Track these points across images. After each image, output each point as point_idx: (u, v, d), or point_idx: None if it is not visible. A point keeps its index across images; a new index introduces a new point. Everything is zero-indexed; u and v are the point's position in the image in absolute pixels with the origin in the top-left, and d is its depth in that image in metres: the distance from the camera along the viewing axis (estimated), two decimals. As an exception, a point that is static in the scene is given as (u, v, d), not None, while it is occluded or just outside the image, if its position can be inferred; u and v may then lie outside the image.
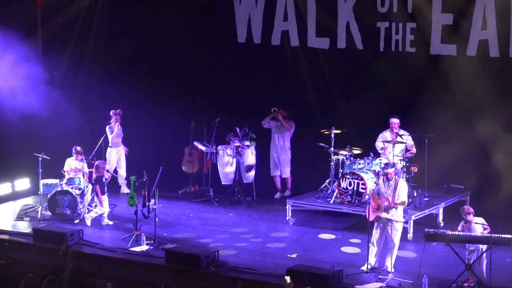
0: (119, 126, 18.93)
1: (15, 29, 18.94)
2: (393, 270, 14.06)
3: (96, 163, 17.17)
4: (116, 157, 19.03)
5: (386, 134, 17.21)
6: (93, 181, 17.03)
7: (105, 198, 16.94)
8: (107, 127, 18.85)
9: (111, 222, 17.00)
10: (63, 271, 11.75)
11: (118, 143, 19.03)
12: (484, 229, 13.47)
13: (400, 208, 14.36)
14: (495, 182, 16.85)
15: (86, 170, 17.80)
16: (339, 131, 17.37)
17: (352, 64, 18.64)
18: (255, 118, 19.61)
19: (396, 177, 14.62)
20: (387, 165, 14.78)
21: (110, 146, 18.95)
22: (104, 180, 16.94)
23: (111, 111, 18.89)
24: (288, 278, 11.32)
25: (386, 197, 14.25)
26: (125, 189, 19.18)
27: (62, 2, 20.51)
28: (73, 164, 17.81)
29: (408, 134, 17.10)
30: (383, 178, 14.49)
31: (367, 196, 16.35)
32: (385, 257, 14.27)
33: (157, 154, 18.80)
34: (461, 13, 17.28)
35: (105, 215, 17.02)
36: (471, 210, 13.65)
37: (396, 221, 14.23)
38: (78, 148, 17.83)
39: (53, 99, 19.49)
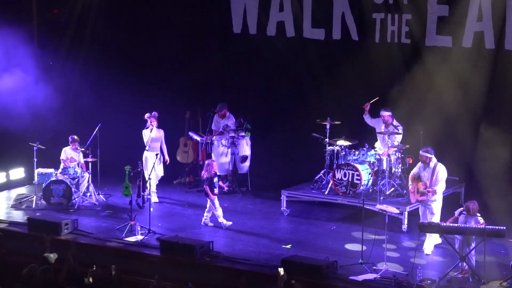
0: (154, 129, 17.63)
1: (10, 18, 18.89)
2: (430, 253, 14.54)
3: (206, 162, 16.38)
4: (152, 162, 17.56)
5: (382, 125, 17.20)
6: (204, 181, 16.13)
7: (215, 198, 16.02)
8: (143, 131, 17.81)
9: (230, 223, 16.13)
10: (62, 263, 11.76)
11: (155, 148, 17.78)
12: (480, 224, 13.49)
13: (439, 194, 14.73)
14: (489, 174, 16.84)
15: (82, 160, 17.78)
16: (334, 122, 17.38)
17: (348, 55, 18.60)
18: (250, 108, 19.63)
19: (435, 161, 14.77)
20: (426, 149, 14.90)
21: (147, 150, 17.77)
22: (216, 180, 16.05)
23: (146, 115, 17.74)
24: (281, 270, 11.34)
25: (424, 181, 14.69)
26: (154, 198, 17.76)
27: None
28: (70, 154, 17.75)
29: (401, 126, 16.94)
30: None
31: (362, 187, 16.41)
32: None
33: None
34: (456, 5, 17.26)
35: (221, 217, 16.07)
36: (475, 207, 13.69)
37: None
38: (75, 137, 17.73)
39: (48, 89, 19.43)
